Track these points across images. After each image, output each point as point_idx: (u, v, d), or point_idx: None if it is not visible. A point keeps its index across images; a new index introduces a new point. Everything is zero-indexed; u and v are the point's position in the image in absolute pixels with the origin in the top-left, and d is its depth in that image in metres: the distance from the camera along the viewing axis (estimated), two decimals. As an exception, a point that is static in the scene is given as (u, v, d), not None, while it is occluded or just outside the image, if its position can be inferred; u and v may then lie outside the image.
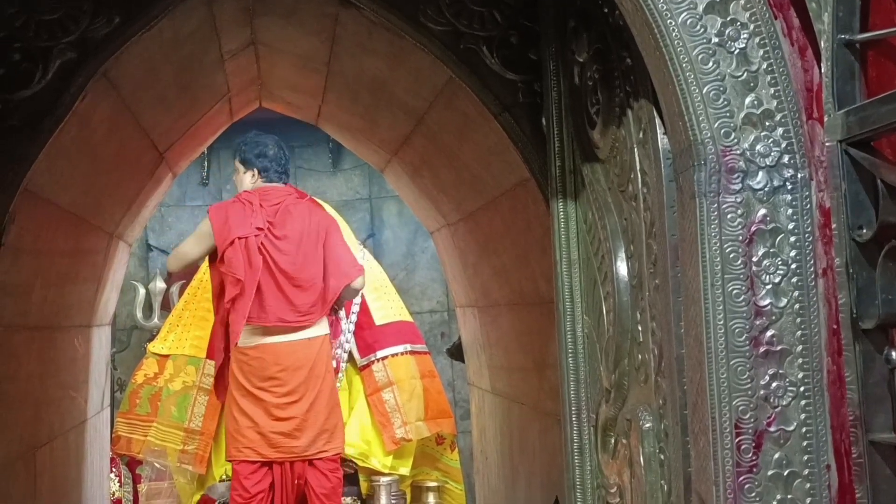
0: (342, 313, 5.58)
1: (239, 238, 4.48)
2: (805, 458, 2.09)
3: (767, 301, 2.11)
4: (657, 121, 2.38)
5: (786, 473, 2.09)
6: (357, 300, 5.76)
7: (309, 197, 6.04)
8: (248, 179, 4.66)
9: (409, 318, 6.08)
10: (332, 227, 4.83)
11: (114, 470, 6.20)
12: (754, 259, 2.11)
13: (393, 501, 5.47)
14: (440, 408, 5.86)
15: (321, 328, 4.75)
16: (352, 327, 5.67)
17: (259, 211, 4.53)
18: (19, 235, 3.04)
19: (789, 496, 2.09)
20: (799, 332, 2.10)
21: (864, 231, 1.97)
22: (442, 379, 6.12)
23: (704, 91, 2.12)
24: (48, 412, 3.75)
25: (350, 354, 5.54)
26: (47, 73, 2.96)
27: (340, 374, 5.49)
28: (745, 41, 2.13)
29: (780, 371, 2.10)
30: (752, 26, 2.13)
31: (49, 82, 2.97)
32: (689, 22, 2.13)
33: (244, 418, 4.55)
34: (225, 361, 4.78)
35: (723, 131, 2.12)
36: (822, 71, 2.06)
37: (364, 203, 8.56)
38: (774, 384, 2.10)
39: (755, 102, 2.13)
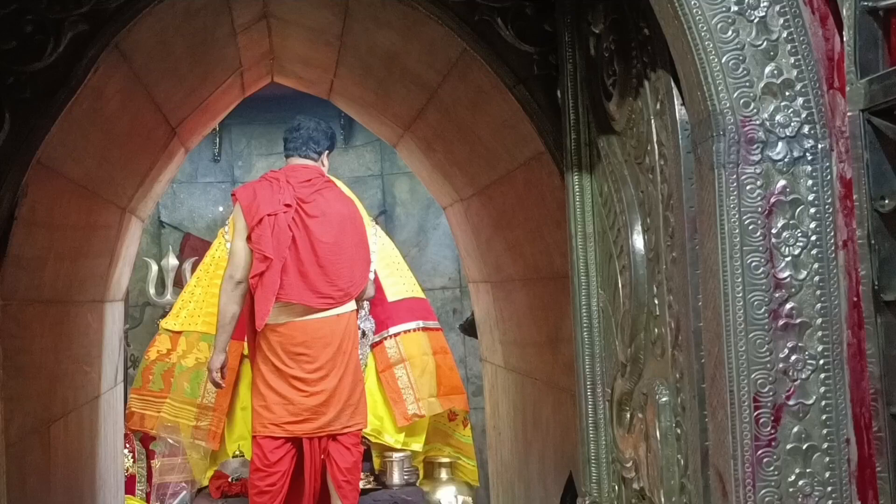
0: None
1: (268, 215, 4.44)
2: (824, 431, 2.07)
3: (787, 273, 2.08)
4: (675, 91, 2.35)
5: (805, 447, 2.07)
6: (370, 277, 5.76)
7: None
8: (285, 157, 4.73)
9: (421, 294, 6.08)
10: (361, 220, 4.88)
11: (127, 446, 6.22)
12: (774, 231, 2.09)
13: (405, 477, 5.49)
14: (452, 384, 5.86)
15: (350, 304, 4.76)
16: (367, 305, 5.68)
17: (286, 187, 4.51)
18: (32, 209, 3.03)
19: (808, 470, 2.07)
20: (819, 305, 2.08)
21: (887, 202, 1.95)
22: (454, 355, 6.12)
23: (724, 60, 2.10)
24: (62, 386, 3.75)
25: (363, 331, 5.55)
26: (59, 46, 2.94)
27: (364, 350, 5.50)
28: (766, 9, 2.10)
29: (800, 344, 2.08)
30: (772, -7, 2.09)
31: (61, 54, 2.94)
32: (708, -10, 2.09)
33: (273, 394, 4.56)
34: (252, 338, 4.77)
35: (742, 101, 2.09)
36: (845, 39, 2.03)
37: (376, 179, 8.54)
38: (794, 357, 2.08)
39: (775, 72, 2.10)
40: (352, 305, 4.78)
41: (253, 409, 4.75)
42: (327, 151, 4.83)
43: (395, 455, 5.53)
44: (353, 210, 4.81)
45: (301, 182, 4.55)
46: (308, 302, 4.54)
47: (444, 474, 5.84)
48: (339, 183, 6.11)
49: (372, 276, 5.73)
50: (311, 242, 4.53)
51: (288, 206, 4.47)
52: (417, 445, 5.73)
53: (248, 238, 4.48)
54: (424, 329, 5.89)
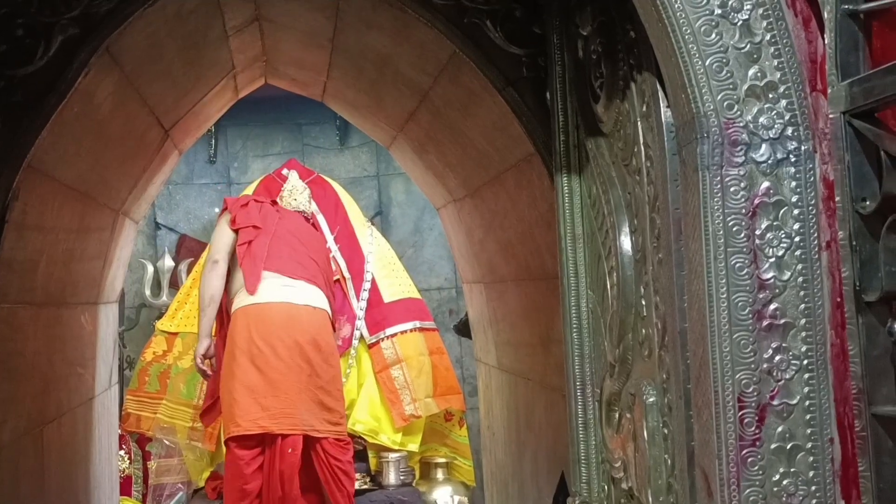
0: (352, 294, 5.62)
1: (255, 201, 4.99)
2: (808, 431, 2.08)
3: (771, 274, 2.09)
4: (660, 94, 2.36)
5: (789, 447, 2.08)
6: (367, 278, 5.78)
7: (317, 175, 6.08)
8: None
9: (417, 295, 6.10)
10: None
11: (123, 447, 6.24)
12: (757, 232, 2.10)
13: (402, 477, 5.50)
14: (449, 384, 5.87)
15: (322, 302, 4.82)
16: (363, 305, 5.69)
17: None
18: (23, 212, 3.04)
19: (792, 469, 2.08)
20: (802, 306, 2.09)
21: (868, 203, 1.96)
22: (450, 355, 6.14)
23: (707, 63, 2.11)
24: (56, 389, 3.77)
25: (358, 333, 5.56)
26: (50, 49, 2.94)
27: (353, 352, 5.50)
28: (749, 12, 2.11)
29: (784, 344, 2.09)
30: (755, -3, 2.11)
31: (52, 58, 2.95)
32: (691, -7, 2.10)
33: (241, 387, 4.54)
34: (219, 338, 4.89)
35: (726, 104, 2.10)
36: (826, 42, 2.04)
37: (372, 180, 8.56)
38: (777, 357, 2.09)
39: (758, 74, 2.11)
40: (325, 304, 4.86)
41: (224, 411, 4.74)
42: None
43: (392, 455, 5.54)
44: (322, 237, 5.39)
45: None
46: (291, 272, 4.79)
47: (440, 474, 5.85)
48: (333, 184, 6.14)
49: (369, 277, 5.76)
50: (291, 228, 4.96)
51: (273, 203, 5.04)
52: (414, 446, 5.74)
53: (233, 220, 4.85)
54: (421, 329, 5.90)
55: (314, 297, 4.81)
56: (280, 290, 4.73)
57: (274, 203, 5.18)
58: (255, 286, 4.67)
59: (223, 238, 4.88)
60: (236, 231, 4.86)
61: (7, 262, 3.01)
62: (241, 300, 4.70)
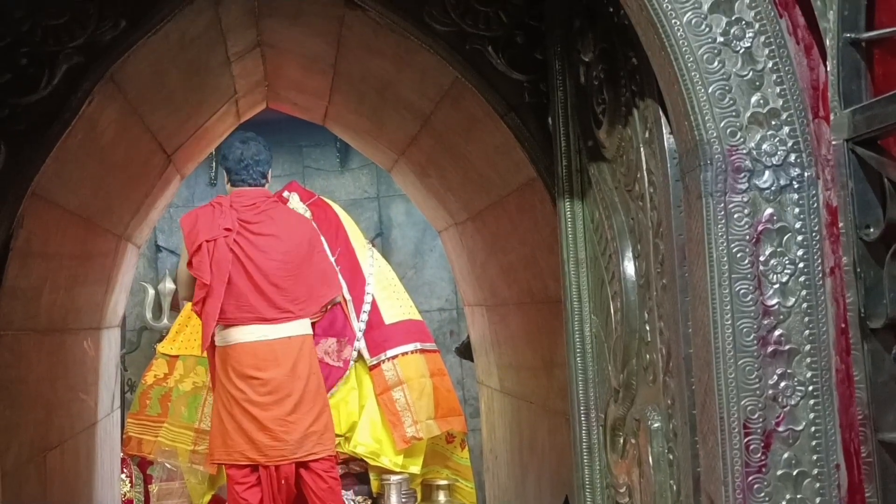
0: (353, 316, 5.61)
1: (206, 241, 4.44)
2: (814, 457, 2.08)
3: (775, 300, 2.10)
4: (663, 120, 2.37)
5: (795, 473, 2.08)
6: (368, 300, 5.78)
7: (318, 197, 6.08)
8: (227, 185, 4.67)
9: (418, 316, 6.09)
10: (316, 235, 4.89)
11: (125, 470, 6.22)
12: (761, 258, 2.10)
13: (403, 500, 5.48)
14: (450, 406, 5.86)
15: (301, 328, 4.74)
16: (363, 326, 5.69)
17: (229, 212, 4.49)
18: (28, 240, 3.05)
19: (799, 496, 2.08)
20: (807, 332, 2.10)
21: (872, 230, 1.97)
22: (451, 377, 6.12)
23: (710, 90, 2.12)
24: (58, 415, 3.76)
25: (359, 354, 5.56)
26: (54, 78, 2.97)
27: (347, 373, 5.50)
28: (751, 40, 2.12)
29: (789, 370, 2.09)
30: (757, 25, 2.12)
31: (56, 87, 2.97)
32: (693, 21, 2.12)
33: (230, 420, 4.54)
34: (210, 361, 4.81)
35: (729, 131, 2.12)
36: (828, 69, 2.05)
37: (372, 202, 8.57)
38: (783, 384, 2.09)
39: (761, 101, 2.12)
40: (304, 329, 4.76)
41: (212, 436, 4.72)
42: (269, 169, 4.79)
43: (393, 478, 5.52)
44: (306, 227, 4.83)
45: (245, 206, 4.54)
46: (252, 321, 4.54)
47: (442, 496, 5.83)
48: (334, 206, 6.15)
49: (369, 298, 5.76)
50: (260, 261, 4.53)
51: (228, 229, 4.45)
52: (415, 468, 5.73)
53: (189, 264, 4.51)
54: (422, 351, 5.89)
55: (288, 328, 4.72)
56: (249, 332, 4.64)
57: (228, 230, 4.57)
58: (206, 345, 4.60)
59: (183, 278, 4.64)
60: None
61: (11, 290, 3.02)
62: (217, 338, 4.62)
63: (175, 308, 7.36)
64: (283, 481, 4.57)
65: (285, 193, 6.04)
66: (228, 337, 4.52)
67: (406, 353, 5.82)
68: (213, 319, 4.45)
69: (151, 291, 7.68)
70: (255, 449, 4.52)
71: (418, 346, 5.88)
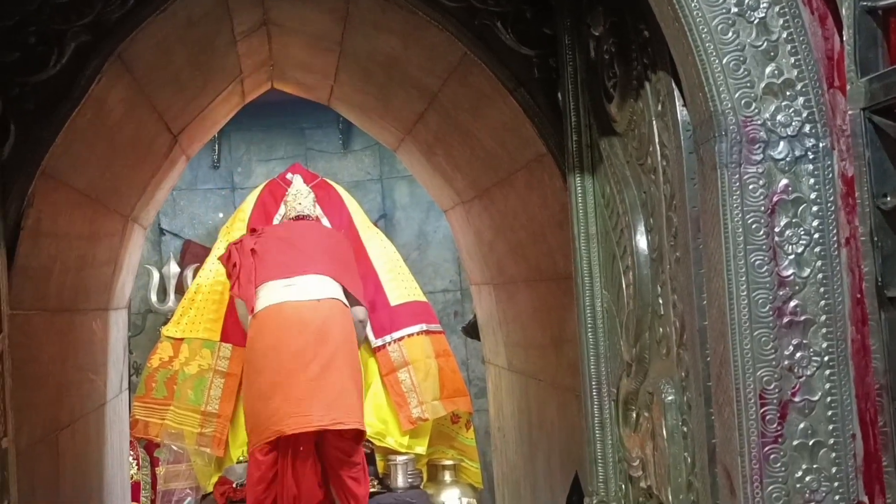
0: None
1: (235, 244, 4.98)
2: (830, 427, 2.09)
3: (790, 271, 2.10)
4: (676, 93, 2.37)
5: (811, 443, 2.09)
6: (372, 281, 5.81)
7: (321, 178, 6.09)
8: None
9: (423, 297, 6.10)
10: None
11: (132, 453, 6.24)
12: (777, 229, 2.10)
13: (409, 480, 5.50)
14: (455, 386, 5.88)
15: (329, 291, 4.81)
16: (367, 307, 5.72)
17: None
18: (38, 219, 3.05)
19: (815, 465, 2.09)
20: (822, 302, 2.10)
21: (889, 199, 1.97)
22: (456, 358, 6.14)
23: (724, 61, 2.11)
24: (69, 395, 3.77)
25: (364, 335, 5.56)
26: (62, 57, 2.95)
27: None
28: (765, 10, 2.11)
29: (804, 341, 2.10)
30: (771, -6, 2.11)
31: (64, 66, 2.96)
32: (707, -9, 2.11)
33: (257, 399, 4.59)
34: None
35: (743, 102, 2.11)
36: (844, 38, 2.05)
37: (375, 184, 8.56)
38: (798, 354, 2.10)
39: (776, 72, 2.12)
40: (333, 292, 4.85)
41: (246, 424, 4.83)
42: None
43: (399, 458, 5.54)
44: (339, 237, 5.34)
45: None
46: (286, 272, 4.83)
47: (447, 477, 5.86)
48: (337, 188, 6.15)
49: (374, 280, 5.78)
50: (282, 235, 5.02)
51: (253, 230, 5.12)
52: (421, 448, 5.75)
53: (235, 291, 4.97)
54: (427, 332, 5.91)
55: (318, 289, 4.81)
56: (279, 291, 4.76)
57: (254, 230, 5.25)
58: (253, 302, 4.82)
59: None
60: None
61: (22, 269, 3.02)
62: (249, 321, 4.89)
63: (180, 291, 7.36)
64: (300, 448, 4.60)
65: (288, 175, 6.04)
66: (256, 307, 4.82)
67: (411, 334, 5.83)
68: (249, 282, 4.96)
69: (156, 274, 7.68)
70: (277, 418, 4.58)
71: (424, 327, 5.90)
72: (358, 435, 4.84)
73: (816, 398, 2.10)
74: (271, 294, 4.78)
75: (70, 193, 3.41)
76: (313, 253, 4.99)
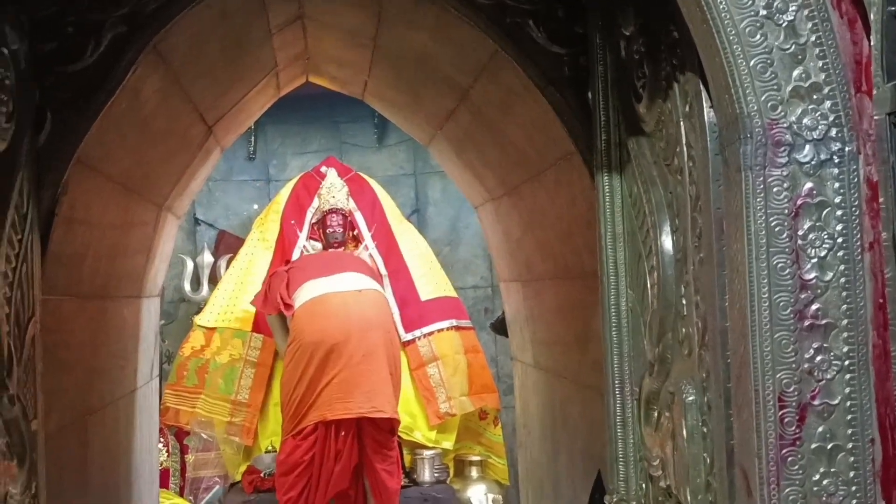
0: (389, 291, 5.72)
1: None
2: (849, 431, 2.09)
3: (813, 275, 2.10)
4: (703, 94, 2.37)
5: (829, 447, 2.09)
6: (403, 276, 5.87)
7: (355, 172, 6.12)
8: None
9: (453, 293, 6.13)
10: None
11: (162, 440, 6.32)
12: (800, 233, 2.11)
13: (436, 475, 5.53)
14: (484, 383, 5.90)
15: (370, 282, 4.91)
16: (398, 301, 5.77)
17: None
18: (72, 206, 3.10)
19: (832, 469, 2.09)
20: (844, 306, 2.10)
21: (913, 205, 1.96)
22: (485, 354, 6.16)
23: (751, 64, 2.12)
24: (99, 380, 3.82)
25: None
26: (99, 47, 2.99)
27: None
28: (794, 13, 2.11)
29: (825, 345, 2.10)
30: (800, -2, 2.11)
31: (101, 56, 2.99)
32: (736, -6, 2.12)
33: (297, 386, 4.66)
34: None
35: (770, 104, 2.11)
36: (872, 43, 2.04)
37: (409, 179, 8.59)
38: (819, 358, 2.10)
39: (803, 75, 2.12)
40: (374, 284, 4.95)
41: (283, 410, 4.91)
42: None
43: (426, 453, 5.57)
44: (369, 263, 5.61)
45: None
46: (327, 271, 5.03)
47: (474, 472, 5.88)
48: (371, 182, 6.18)
49: (406, 274, 5.84)
50: (318, 257, 5.30)
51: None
52: (448, 443, 5.78)
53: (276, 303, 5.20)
54: (457, 328, 5.94)
55: (359, 281, 4.92)
56: (320, 285, 4.86)
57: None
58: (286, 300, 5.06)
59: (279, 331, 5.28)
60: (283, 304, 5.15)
61: (56, 256, 3.06)
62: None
63: (213, 281, 7.44)
64: (341, 433, 4.67)
65: (323, 169, 6.08)
66: (300, 299, 5.04)
67: (441, 329, 5.87)
68: (296, 282, 5.26)
69: (190, 264, 7.76)
70: (325, 403, 4.70)
71: (453, 322, 5.93)
72: (393, 426, 4.90)
73: (836, 402, 2.10)
74: (313, 288, 4.88)
75: (104, 182, 3.46)
76: (348, 260, 5.22)
